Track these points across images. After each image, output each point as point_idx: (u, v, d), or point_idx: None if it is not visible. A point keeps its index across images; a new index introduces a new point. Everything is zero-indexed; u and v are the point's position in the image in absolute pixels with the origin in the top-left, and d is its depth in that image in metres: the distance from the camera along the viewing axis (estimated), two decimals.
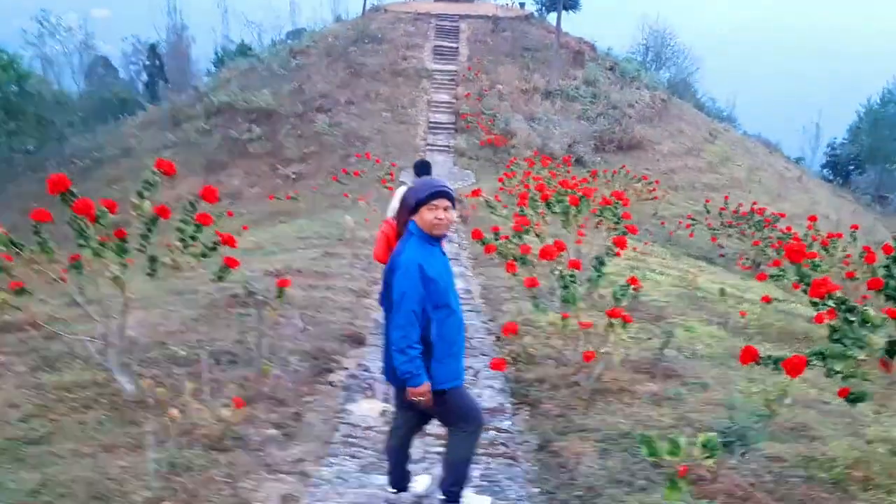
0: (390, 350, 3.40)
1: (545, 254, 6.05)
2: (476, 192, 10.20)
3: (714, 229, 16.65)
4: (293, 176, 23.26)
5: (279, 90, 28.09)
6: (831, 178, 44.47)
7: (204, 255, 5.16)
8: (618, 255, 6.99)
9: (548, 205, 9.04)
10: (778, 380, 5.90)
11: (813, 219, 10.99)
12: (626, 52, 45.61)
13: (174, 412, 3.50)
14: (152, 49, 51.61)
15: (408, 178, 15.22)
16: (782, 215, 16.90)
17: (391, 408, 4.33)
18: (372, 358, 6.36)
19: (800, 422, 5.43)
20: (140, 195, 5.02)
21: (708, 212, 17.51)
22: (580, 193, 9.27)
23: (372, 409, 5.19)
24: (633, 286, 6.08)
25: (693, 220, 17.13)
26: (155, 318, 7.18)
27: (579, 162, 23.92)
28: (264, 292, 7.60)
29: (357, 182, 17.62)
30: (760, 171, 30.26)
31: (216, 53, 50.12)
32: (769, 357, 4.11)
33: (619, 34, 65.72)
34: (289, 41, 41.74)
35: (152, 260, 5.24)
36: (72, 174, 25.11)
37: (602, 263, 6.22)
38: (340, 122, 26.05)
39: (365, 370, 6.08)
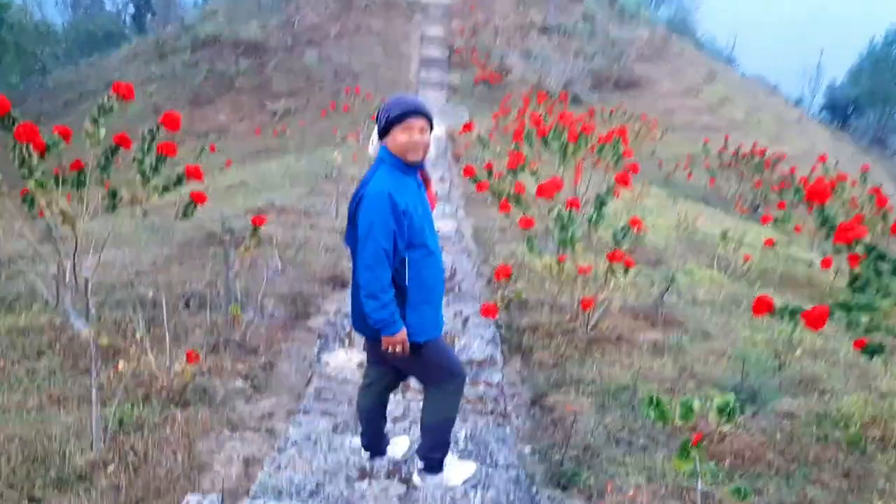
0: (359, 295, 2.96)
1: (542, 192, 5.63)
2: (468, 127, 9.66)
3: (712, 170, 16.16)
4: (281, 111, 22.52)
5: (267, 22, 27.09)
6: (830, 120, 43.70)
7: (166, 189, 4.67)
8: (616, 195, 6.57)
9: (544, 141, 8.55)
10: (782, 328, 5.58)
11: (822, 159, 10.53)
12: None
13: (121, 365, 3.08)
14: None
15: None
16: (782, 156, 16.42)
17: None
18: None
19: (809, 374, 5.11)
20: (94, 121, 4.53)
21: (707, 153, 16.98)
22: (580, 130, 8.78)
23: (349, 361, 4.79)
24: (634, 228, 5.69)
25: (691, 161, 16.64)
26: (125, 257, 6.76)
27: (576, 100, 23.18)
28: (243, 231, 7.18)
29: (347, 118, 17.01)
30: (759, 112, 29.58)
31: None
32: (785, 308, 3.70)
33: None
34: None
35: (112, 195, 4.78)
36: (55, 108, 24.37)
37: (603, 203, 5.79)
38: (330, 56, 25.18)
39: (345, 316, 5.67)
